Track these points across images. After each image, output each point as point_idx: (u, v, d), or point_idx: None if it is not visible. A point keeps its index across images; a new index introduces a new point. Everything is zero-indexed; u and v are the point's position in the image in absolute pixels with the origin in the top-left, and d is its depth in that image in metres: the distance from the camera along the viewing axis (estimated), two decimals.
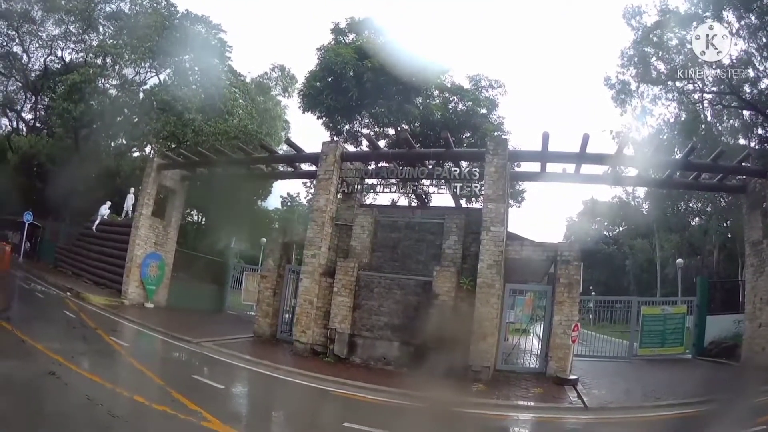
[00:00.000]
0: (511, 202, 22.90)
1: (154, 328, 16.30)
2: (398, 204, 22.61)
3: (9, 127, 46.96)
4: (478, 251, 13.75)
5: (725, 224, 36.38)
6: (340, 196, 16.49)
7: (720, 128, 27.80)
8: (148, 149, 34.02)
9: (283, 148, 25.09)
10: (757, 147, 25.18)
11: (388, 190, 16.98)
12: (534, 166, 16.08)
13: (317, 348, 15.00)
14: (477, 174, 15.01)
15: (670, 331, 18.57)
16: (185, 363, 13.29)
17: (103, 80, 32.37)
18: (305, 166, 18.54)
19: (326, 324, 15.01)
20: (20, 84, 41.82)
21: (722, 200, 32.45)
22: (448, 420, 9.69)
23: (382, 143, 22.42)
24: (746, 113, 26.25)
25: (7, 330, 11.74)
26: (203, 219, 35.05)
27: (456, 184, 15.31)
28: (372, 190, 17.06)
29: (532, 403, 10.95)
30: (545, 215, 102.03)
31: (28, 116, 45.08)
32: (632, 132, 29.00)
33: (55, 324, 14.39)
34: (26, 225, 30.10)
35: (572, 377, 12.95)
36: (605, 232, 59.95)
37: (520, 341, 16.50)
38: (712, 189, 18.41)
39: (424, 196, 19.24)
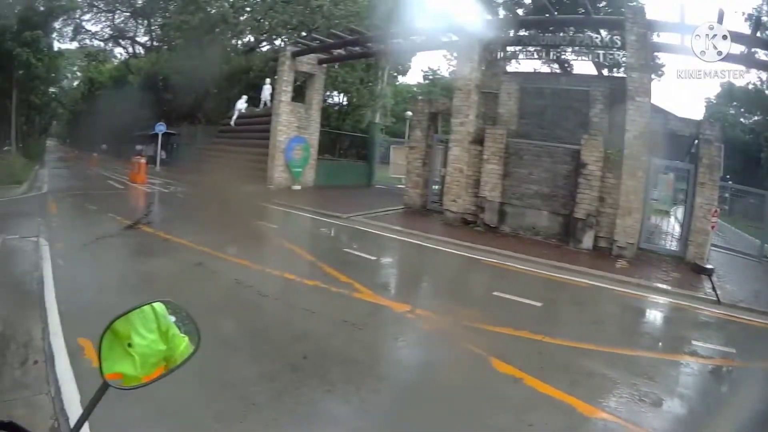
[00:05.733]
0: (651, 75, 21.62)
1: (302, 208, 16.64)
2: (540, 72, 21.68)
3: (125, 54, 50.01)
4: (623, 122, 13.25)
5: None
6: (483, 65, 16.01)
7: None
8: (278, 42, 34.18)
9: None
10: None
11: (531, 57, 16.27)
12: (672, 39, 14.64)
13: (467, 217, 15.19)
14: (618, 42, 14.20)
15: None
16: (335, 238, 13.52)
17: None
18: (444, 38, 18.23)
19: (476, 193, 15.08)
20: (127, 14, 43.77)
21: None
22: (593, 295, 9.67)
23: (519, 12, 21.68)
24: None
25: (149, 232, 12.24)
26: (344, 99, 35.04)
27: (598, 52, 14.60)
28: (514, 58, 16.64)
29: (670, 288, 10.64)
30: (683, 93, 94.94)
31: (143, 39, 47.02)
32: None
33: (199, 219, 14.94)
34: (159, 136, 31.00)
35: (709, 266, 12.48)
36: (741, 119, 55.21)
37: (661, 222, 16.06)
38: None
39: (566, 64, 18.32)
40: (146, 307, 1.54)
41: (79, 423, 1.34)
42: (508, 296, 8.20)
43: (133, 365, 1.49)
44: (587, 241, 13.27)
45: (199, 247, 10.24)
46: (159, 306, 1.56)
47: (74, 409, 4.08)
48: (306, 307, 7.08)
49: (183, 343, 1.58)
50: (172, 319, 1.59)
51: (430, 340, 6.23)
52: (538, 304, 7.99)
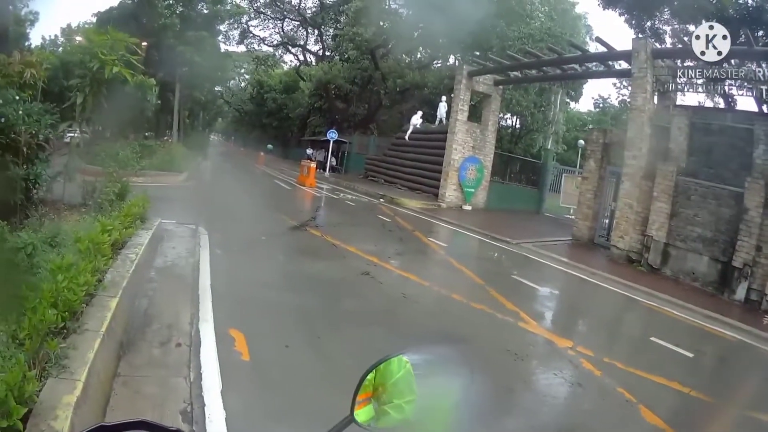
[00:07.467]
0: None
1: (472, 229, 16.81)
2: (707, 106, 21.13)
3: (296, 61, 54.08)
4: None
5: None
6: (656, 96, 15.85)
7: None
8: (451, 60, 34.88)
9: (589, 48, 24.23)
10: None
11: (699, 90, 15.83)
12: None
13: (632, 255, 14.95)
14: None
15: None
16: (504, 263, 13.39)
17: (389, 1, 34.31)
18: (616, 66, 18.30)
19: (643, 230, 14.82)
20: (296, 23, 47.22)
21: None
22: (739, 351, 9.17)
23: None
24: None
25: (317, 236, 12.39)
26: (517, 122, 35.37)
27: (761, 87, 13.81)
28: (681, 90, 16.26)
29: None
30: None
31: (314, 48, 50.26)
32: None
33: (368, 227, 15.36)
34: (331, 142, 32.29)
35: None
36: None
37: None
38: None
39: (729, 99, 17.84)
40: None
41: None
42: (663, 343, 8.14)
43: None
44: (741, 291, 12.49)
45: (366, 256, 10.54)
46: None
47: (212, 397, 4.26)
48: (470, 331, 7.29)
49: (400, 371, 1.46)
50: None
51: (587, 379, 6.27)
52: (690, 354, 7.98)
